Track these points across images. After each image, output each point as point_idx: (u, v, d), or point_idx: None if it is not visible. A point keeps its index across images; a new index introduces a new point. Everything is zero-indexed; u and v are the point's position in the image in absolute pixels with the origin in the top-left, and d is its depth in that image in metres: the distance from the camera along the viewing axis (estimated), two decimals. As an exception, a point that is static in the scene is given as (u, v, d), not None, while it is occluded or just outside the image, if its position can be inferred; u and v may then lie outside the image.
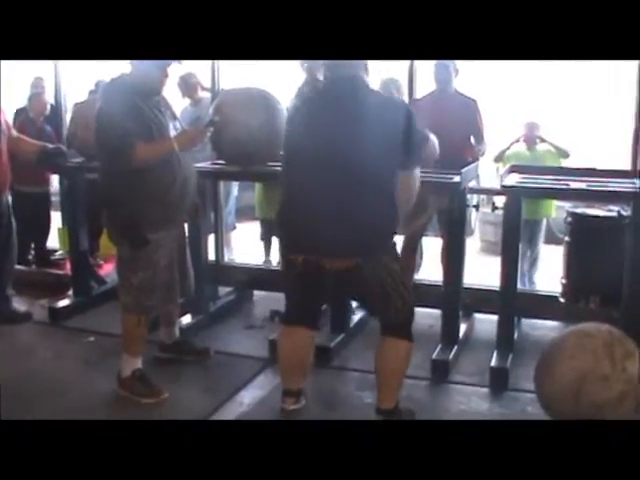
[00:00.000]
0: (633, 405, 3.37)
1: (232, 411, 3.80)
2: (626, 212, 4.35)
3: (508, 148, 5.98)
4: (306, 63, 5.44)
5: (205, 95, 6.30)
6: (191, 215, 4.25)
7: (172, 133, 3.83)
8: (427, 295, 4.69)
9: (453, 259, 4.53)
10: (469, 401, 3.94)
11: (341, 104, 3.27)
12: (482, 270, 5.60)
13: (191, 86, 6.53)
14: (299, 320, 3.58)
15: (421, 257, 5.73)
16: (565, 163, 5.76)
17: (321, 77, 5.46)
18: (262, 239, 6.53)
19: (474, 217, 7.98)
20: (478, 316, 5.01)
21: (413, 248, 5.06)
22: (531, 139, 5.99)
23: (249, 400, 3.93)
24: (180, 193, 3.84)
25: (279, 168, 4.57)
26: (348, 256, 3.27)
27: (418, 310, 3.96)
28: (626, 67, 5.16)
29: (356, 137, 3.18)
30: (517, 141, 6.01)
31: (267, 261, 6.48)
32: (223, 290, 5.43)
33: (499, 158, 5.98)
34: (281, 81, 6.14)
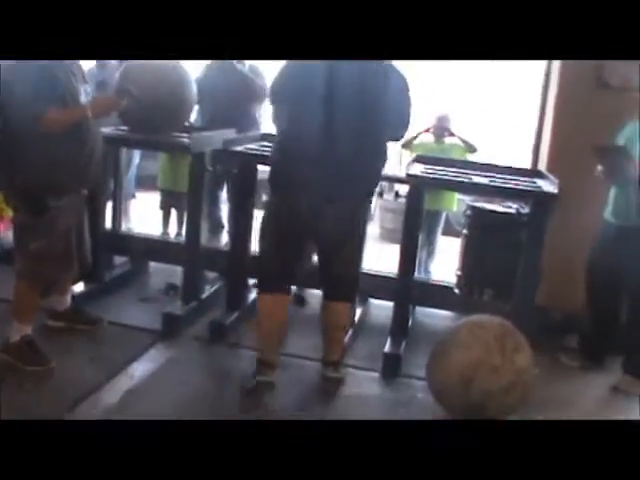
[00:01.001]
0: (519, 396, 3.48)
1: (123, 384, 3.72)
2: (524, 210, 4.47)
3: (415, 137, 6.03)
4: None
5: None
6: (94, 183, 4.10)
7: (83, 98, 3.70)
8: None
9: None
10: (361, 385, 3.98)
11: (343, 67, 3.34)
12: (380, 257, 5.67)
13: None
14: (280, 285, 3.68)
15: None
16: (471, 158, 5.86)
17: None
18: (161, 208, 6.40)
19: (375, 204, 8.03)
20: (373, 302, 5.07)
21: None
22: (440, 131, 6.05)
23: (140, 373, 3.86)
24: (86, 160, 3.73)
25: (185, 139, 4.55)
26: (347, 199, 3.53)
27: (314, 293, 4.01)
28: (534, 68, 5.32)
29: (359, 90, 3.37)
30: (426, 131, 6.07)
31: (165, 233, 6.37)
32: (119, 260, 5.31)
33: (406, 146, 6.02)
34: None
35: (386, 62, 3.44)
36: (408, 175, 4.34)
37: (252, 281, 4.79)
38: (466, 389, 3.40)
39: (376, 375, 4.11)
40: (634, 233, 4.22)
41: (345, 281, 3.76)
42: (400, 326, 4.41)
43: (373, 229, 7.89)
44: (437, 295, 4.92)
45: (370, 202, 3.84)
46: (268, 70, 5.14)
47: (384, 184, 6.48)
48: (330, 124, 3.34)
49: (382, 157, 3.59)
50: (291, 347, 4.15)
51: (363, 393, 3.89)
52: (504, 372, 3.41)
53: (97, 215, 4.76)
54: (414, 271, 4.56)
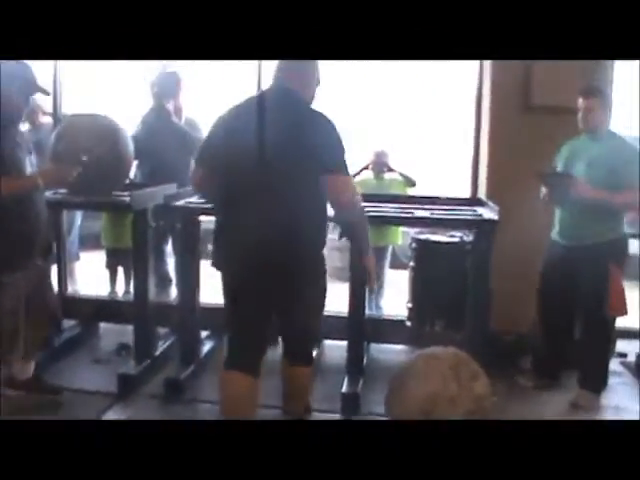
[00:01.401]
0: (479, 424, 3.50)
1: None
2: (468, 238, 4.53)
3: (355, 175, 6.09)
4: (156, 88, 5.37)
5: (47, 120, 6.08)
6: (44, 252, 3.93)
7: (28, 169, 3.63)
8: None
9: (185, 280, 4.60)
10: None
11: (270, 118, 3.19)
12: (330, 295, 5.66)
13: (32, 110, 6.29)
14: (246, 363, 3.34)
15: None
16: (411, 191, 5.93)
17: (169, 106, 5.46)
18: (107, 267, 6.34)
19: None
20: (327, 342, 5.07)
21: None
22: (379, 167, 6.12)
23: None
24: (32, 229, 3.65)
25: (126, 197, 4.52)
26: (294, 264, 3.25)
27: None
28: (465, 96, 5.42)
29: (286, 152, 3.16)
30: (366, 168, 6.12)
31: (113, 292, 6.30)
32: (67, 323, 5.23)
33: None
34: (125, 107, 6.04)
35: (312, 110, 3.31)
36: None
37: (204, 333, 4.77)
38: (426, 422, 3.40)
39: (337, 417, 4.09)
40: (582, 252, 4.31)
41: (305, 345, 3.61)
42: (355, 364, 4.41)
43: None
44: (390, 330, 4.96)
45: (324, 270, 3.46)
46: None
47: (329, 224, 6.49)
48: (263, 187, 3.16)
49: (321, 211, 3.33)
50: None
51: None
52: (462, 401, 3.42)
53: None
54: (364, 308, 4.57)
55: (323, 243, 3.38)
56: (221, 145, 3.26)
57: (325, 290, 3.46)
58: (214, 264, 3.38)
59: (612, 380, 4.86)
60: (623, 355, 5.36)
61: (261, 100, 3.26)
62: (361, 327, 4.48)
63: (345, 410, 4.12)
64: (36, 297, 3.84)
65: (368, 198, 4.86)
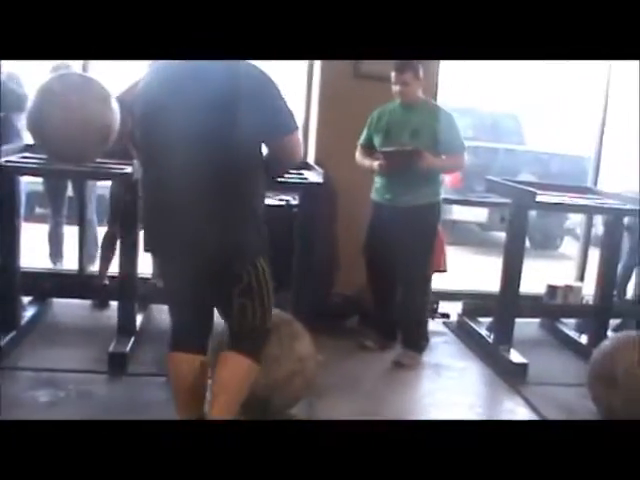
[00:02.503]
0: (303, 383, 3.55)
1: None
2: (295, 201, 4.59)
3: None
4: None
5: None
6: None
7: None
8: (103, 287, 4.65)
9: (125, 251, 4.44)
10: (149, 391, 3.92)
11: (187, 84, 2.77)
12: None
13: None
14: (190, 342, 3.12)
15: (96, 248, 5.63)
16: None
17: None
18: None
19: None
20: (155, 306, 5.03)
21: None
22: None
23: None
24: None
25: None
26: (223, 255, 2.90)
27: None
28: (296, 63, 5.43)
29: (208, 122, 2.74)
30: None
31: None
32: None
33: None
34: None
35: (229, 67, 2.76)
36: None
37: (27, 299, 4.60)
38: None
39: (162, 379, 4.04)
40: (408, 213, 4.47)
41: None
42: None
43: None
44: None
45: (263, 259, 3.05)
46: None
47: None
48: (194, 160, 2.76)
49: (249, 205, 2.93)
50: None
51: (150, 399, 3.83)
52: (285, 361, 3.47)
53: None
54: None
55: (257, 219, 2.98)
56: (138, 118, 2.91)
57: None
58: (145, 248, 3.12)
59: (435, 339, 5.11)
60: (446, 315, 5.61)
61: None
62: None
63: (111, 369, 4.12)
64: None
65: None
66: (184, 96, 2.75)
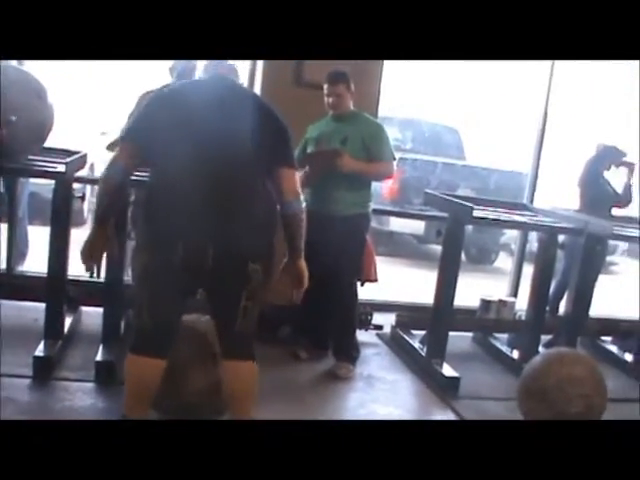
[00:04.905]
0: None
1: None
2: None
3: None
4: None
5: None
6: None
7: None
8: (30, 288, 4.54)
9: (54, 250, 4.29)
10: (74, 397, 3.82)
11: (217, 103, 3.03)
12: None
13: None
14: (156, 348, 3.10)
15: (27, 246, 5.48)
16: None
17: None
18: None
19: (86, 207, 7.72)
20: (85, 309, 4.92)
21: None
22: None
23: None
24: None
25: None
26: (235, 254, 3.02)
27: (22, 304, 3.73)
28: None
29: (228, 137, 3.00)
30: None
31: None
32: None
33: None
34: None
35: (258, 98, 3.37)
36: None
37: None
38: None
39: (90, 385, 3.99)
40: (339, 223, 4.49)
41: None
42: (112, 332, 4.32)
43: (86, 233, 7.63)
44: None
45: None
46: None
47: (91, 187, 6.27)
48: (203, 173, 2.95)
49: (261, 212, 3.13)
50: None
51: (76, 405, 3.74)
52: (214, 369, 3.44)
53: None
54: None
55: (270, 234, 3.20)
56: (159, 123, 3.02)
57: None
58: (145, 245, 3.14)
59: (368, 351, 5.12)
60: (379, 327, 5.60)
61: (201, 84, 3.29)
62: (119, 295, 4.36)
63: (99, 378, 4.02)
64: None
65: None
66: (222, 115, 3.00)
